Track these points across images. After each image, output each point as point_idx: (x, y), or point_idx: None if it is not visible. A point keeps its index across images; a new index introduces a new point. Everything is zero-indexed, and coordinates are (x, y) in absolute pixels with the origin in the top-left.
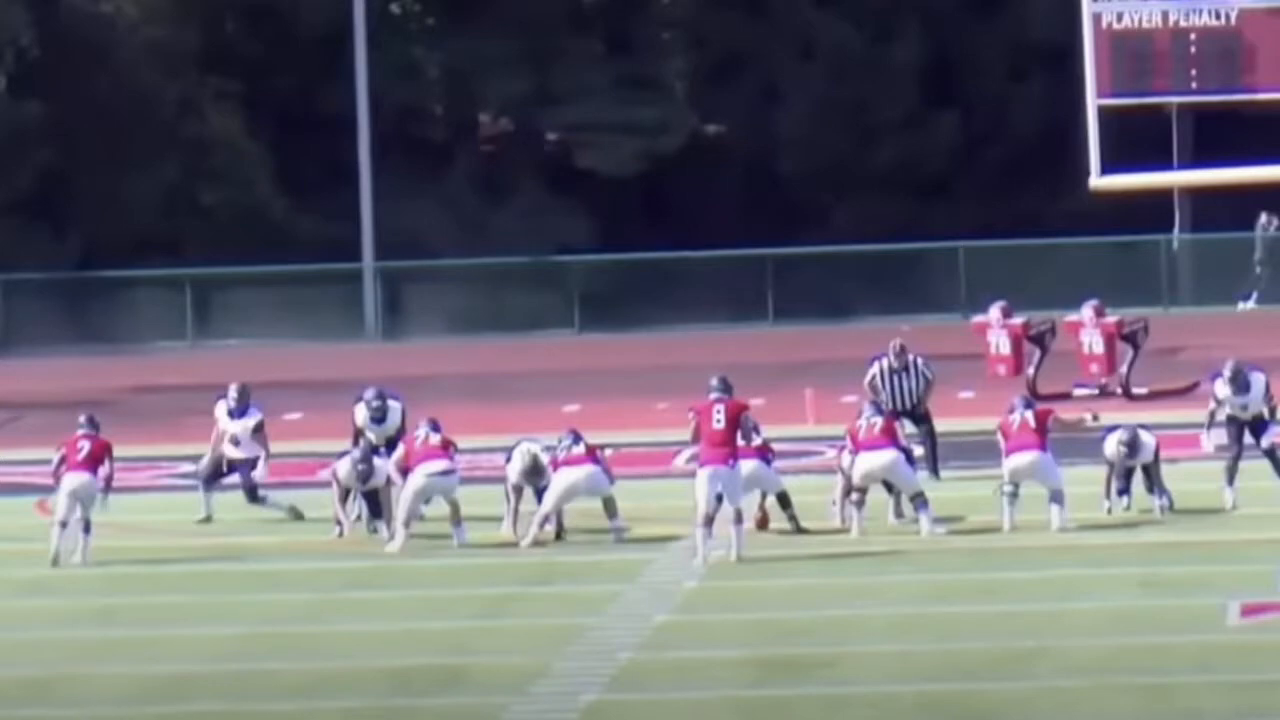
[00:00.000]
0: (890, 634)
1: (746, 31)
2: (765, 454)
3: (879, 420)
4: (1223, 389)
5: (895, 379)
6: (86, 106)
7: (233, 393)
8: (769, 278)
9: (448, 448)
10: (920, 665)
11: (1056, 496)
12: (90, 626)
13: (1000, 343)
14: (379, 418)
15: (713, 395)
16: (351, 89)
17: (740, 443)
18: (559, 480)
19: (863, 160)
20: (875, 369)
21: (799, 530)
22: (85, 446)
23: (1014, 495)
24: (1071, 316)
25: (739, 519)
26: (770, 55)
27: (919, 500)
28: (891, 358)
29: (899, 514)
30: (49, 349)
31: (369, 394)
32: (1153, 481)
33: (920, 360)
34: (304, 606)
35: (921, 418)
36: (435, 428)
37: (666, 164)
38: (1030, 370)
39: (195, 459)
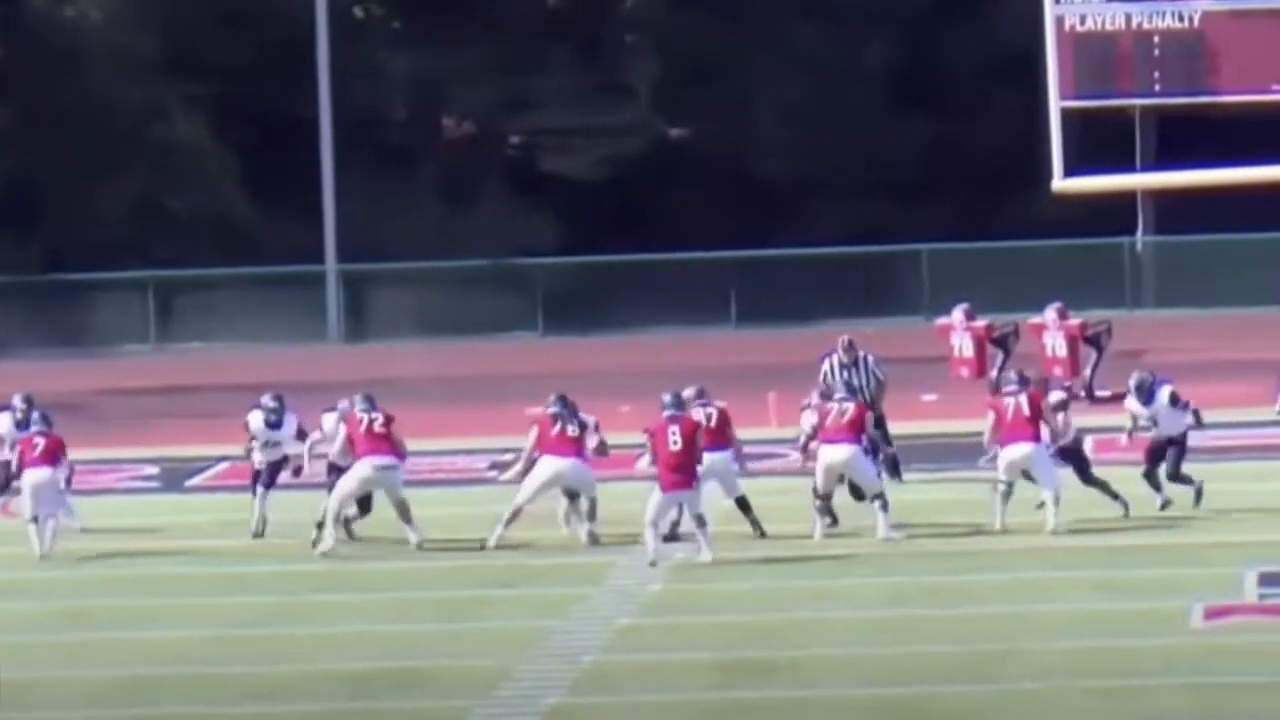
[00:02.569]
0: (853, 637)
1: (713, 36)
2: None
3: (849, 408)
4: (1130, 402)
5: (845, 374)
6: (52, 111)
7: (268, 401)
8: (733, 281)
9: (392, 440)
10: (883, 668)
11: (1053, 497)
12: (56, 630)
13: (963, 345)
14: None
15: (666, 413)
16: (313, 92)
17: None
18: (542, 468)
19: (829, 164)
20: (825, 365)
21: (761, 534)
22: (40, 443)
23: (1008, 493)
24: (1035, 319)
25: (702, 522)
26: (738, 59)
27: (880, 501)
28: (840, 353)
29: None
30: (14, 352)
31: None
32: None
33: (871, 359)
34: (268, 609)
35: (875, 421)
36: (372, 405)
37: (632, 168)
38: (993, 373)
39: (160, 461)
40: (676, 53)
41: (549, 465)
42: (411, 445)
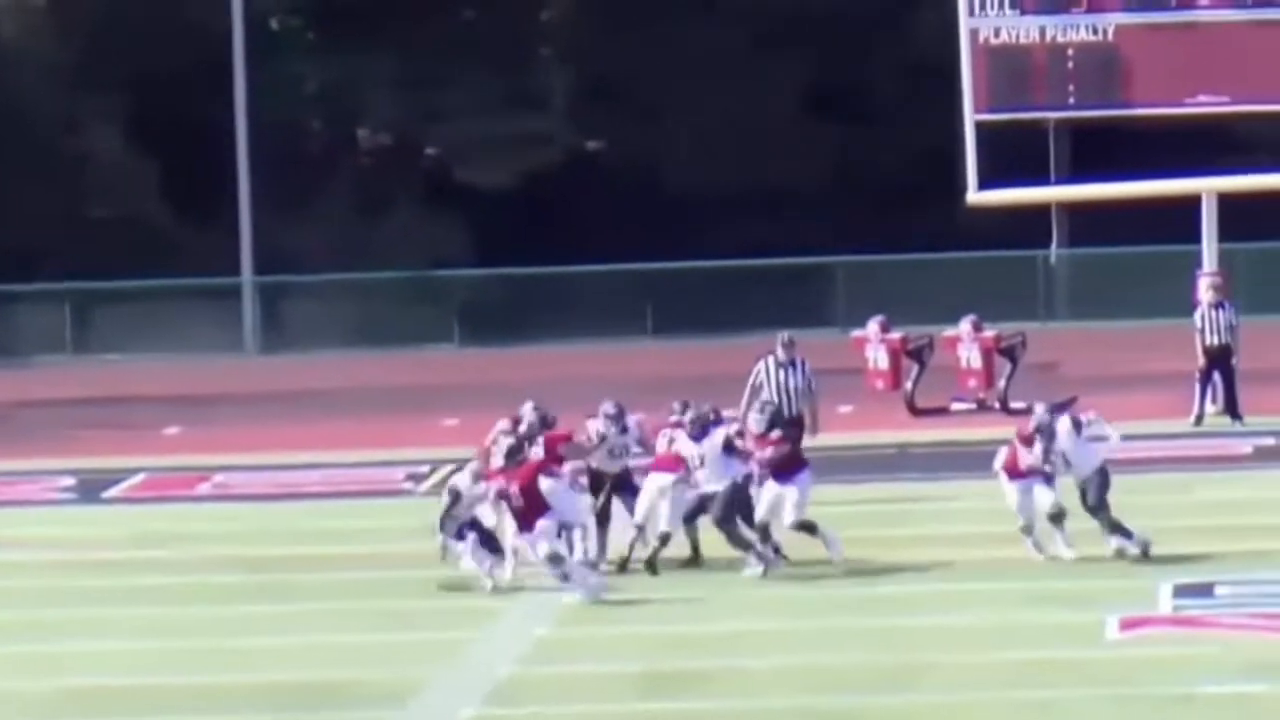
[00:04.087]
0: (773, 647)
1: (628, 47)
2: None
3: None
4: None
5: (782, 374)
6: None
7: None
8: (649, 293)
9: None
10: (804, 678)
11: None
12: None
13: (879, 357)
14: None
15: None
16: (230, 103)
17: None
18: (651, 485)
19: (744, 176)
20: (760, 365)
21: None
22: None
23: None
24: (949, 331)
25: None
26: (652, 70)
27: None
28: (779, 350)
29: None
30: None
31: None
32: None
33: (807, 364)
34: (190, 621)
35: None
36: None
37: (546, 179)
38: (908, 385)
39: (77, 473)
40: (591, 65)
41: (655, 481)
42: (327, 457)
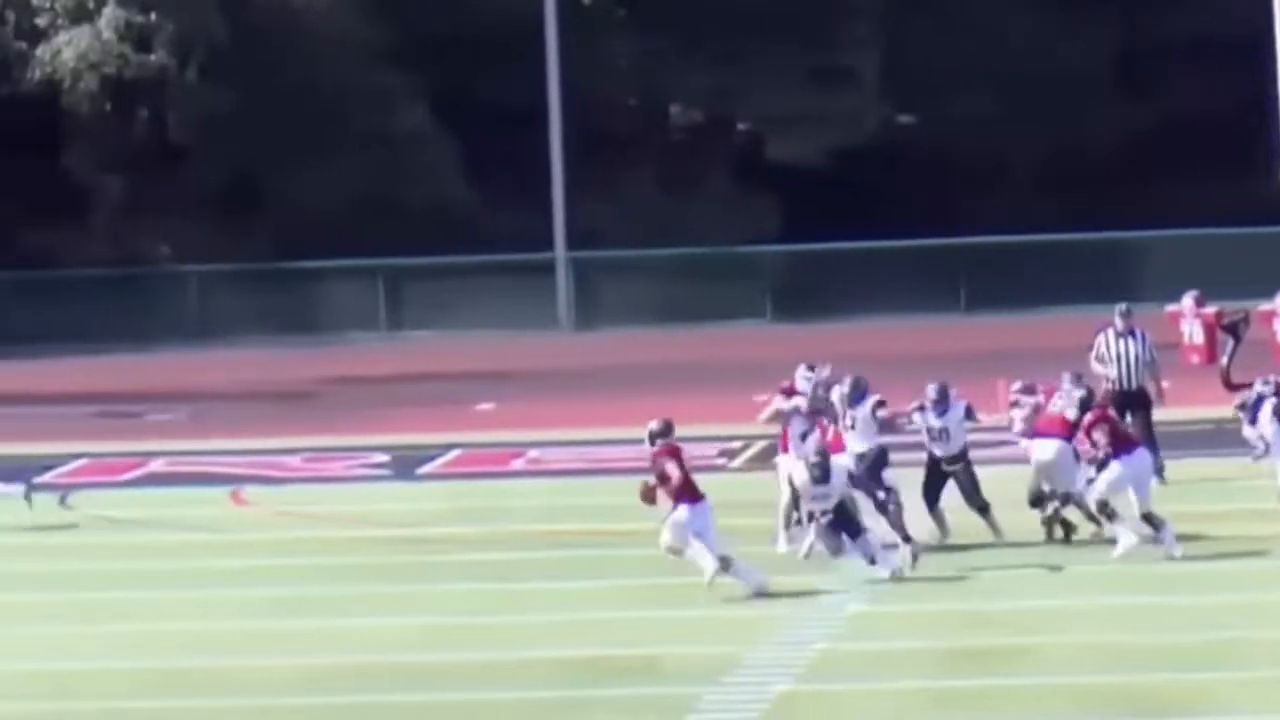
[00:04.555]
0: (1078, 624)
1: (938, 20)
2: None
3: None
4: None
5: (1122, 344)
6: (276, 98)
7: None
8: (960, 268)
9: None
10: (1107, 656)
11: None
12: (273, 617)
13: (1194, 332)
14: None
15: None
16: (541, 81)
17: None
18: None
19: (1055, 149)
20: (1100, 338)
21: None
22: None
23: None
24: (1171, 307)
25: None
26: (961, 44)
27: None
28: (1117, 320)
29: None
30: (243, 340)
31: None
32: None
33: (1147, 335)
34: (492, 598)
35: (1141, 403)
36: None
37: (856, 154)
38: (1224, 360)
39: (392, 449)
40: (901, 39)
41: (1041, 449)
42: (640, 432)
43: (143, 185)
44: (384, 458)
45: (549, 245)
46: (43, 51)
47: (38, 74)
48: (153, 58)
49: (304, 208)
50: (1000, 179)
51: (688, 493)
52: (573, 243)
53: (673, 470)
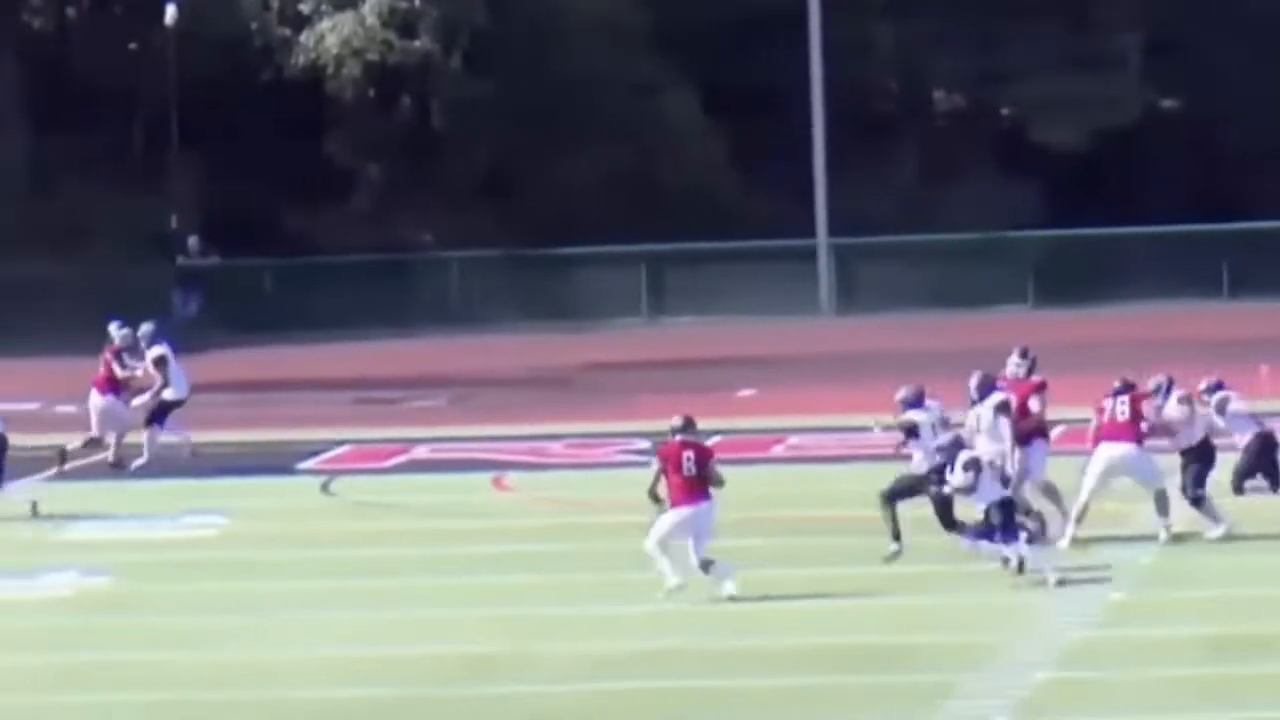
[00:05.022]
0: None
1: (1204, 3)
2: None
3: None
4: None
5: None
6: (538, 85)
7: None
8: (1223, 253)
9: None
10: None
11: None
12: (543, 603)
13: None
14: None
15: (678, 438)
16: (804, 67)
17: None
18: (1100, 455)
19: None
20: None
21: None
22: None
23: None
24: None
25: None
26: (1222, 28)
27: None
28: None
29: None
30: (504, 326)
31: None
32: None
33: None
34: (752, 583)
35: None
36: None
37: (1118, 138)
38: None
39: (651, 435)
40: (1162, 22)
41: (1105, 452)
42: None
43: (404, 171)
44: (645, 444)
45: (810, 231)
46: (307, 38)
47: (301, 60)
48: (416, 44)
49: (565, 194)
50: (1268, 163)
51: (694, 492)
52: (834, 228)
53: (687, 467)
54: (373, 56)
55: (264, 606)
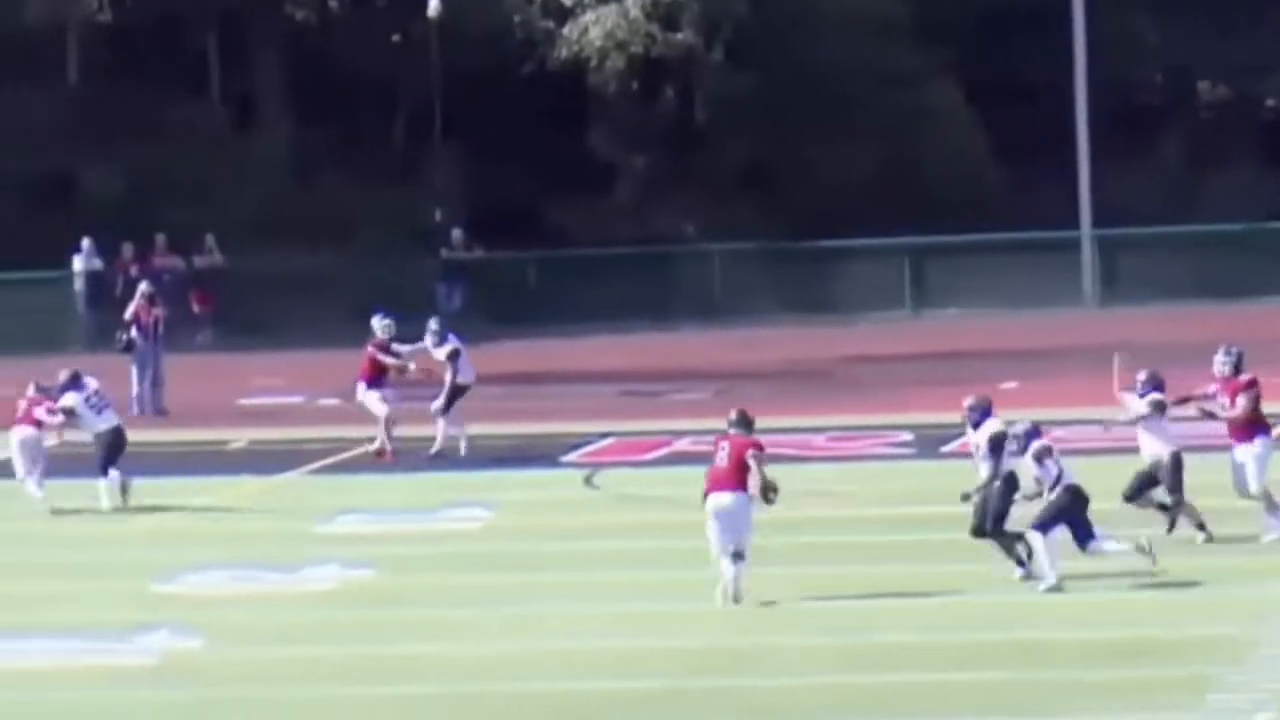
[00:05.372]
0: None
1: None
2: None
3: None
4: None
5: None
6: (799, 77)
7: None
8: None
9: None
10: None
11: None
12: (797, 597)
13: None
14: None
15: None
16: (1068, 58)
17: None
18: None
19: None
20: None
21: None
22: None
23: None
24: None
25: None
26: None
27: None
28: None
29: None
30: (765, 319)
31: None
32: None
33: None
34: (986, 578)
35: None
36: None
37: None
38: None
39: (915, 428)
40: None
41: None
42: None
43: (666, 164)
44: (907, 436)
45: (1074, 222)
46: (570, 30)
47: (564, 53)
48: (679, 36)
49: (825, 187)
50: None
51: (720, 483)
52: (1097, 219)
53: (720, 459)
54: (636, 49)
55: (524, 599)
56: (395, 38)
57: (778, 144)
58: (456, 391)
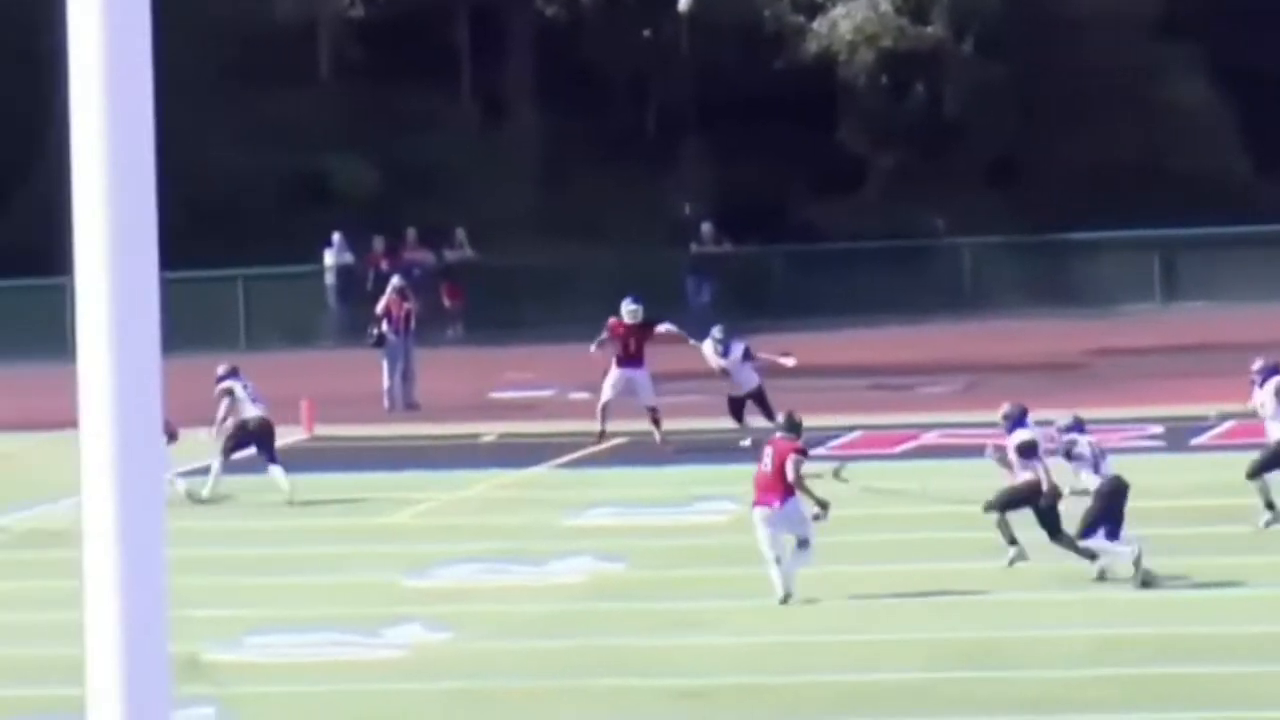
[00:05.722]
0: None
1: None
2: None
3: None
4: None
5: None
6: (1047, 71)
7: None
8: None
9: None
10: None
11: None
12: (1042, 589)
13: None
14: None
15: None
16: None
17: None
18: None
19: None
20: None
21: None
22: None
23: None
24: None
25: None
26: None
27: None
28: None
29: None
30: (1015, 312)
31: None
32: None
33: None
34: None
35: None
36: None
37: None
38: None
39: (1165, 420)
40: None
41: None
42: None
43: (916, 158)
44: (1157, 429)
45: None
46: (820, 24)
47: (814, 47)
48: (929, 30)
49: (1074, 180)
50: None
51: (765, 490)
52: None
53: (764, 464)
54: (886, 43)
55: (771, 592)
56: (646, 33)
57: (1027, 137)
58: (735, 404)
